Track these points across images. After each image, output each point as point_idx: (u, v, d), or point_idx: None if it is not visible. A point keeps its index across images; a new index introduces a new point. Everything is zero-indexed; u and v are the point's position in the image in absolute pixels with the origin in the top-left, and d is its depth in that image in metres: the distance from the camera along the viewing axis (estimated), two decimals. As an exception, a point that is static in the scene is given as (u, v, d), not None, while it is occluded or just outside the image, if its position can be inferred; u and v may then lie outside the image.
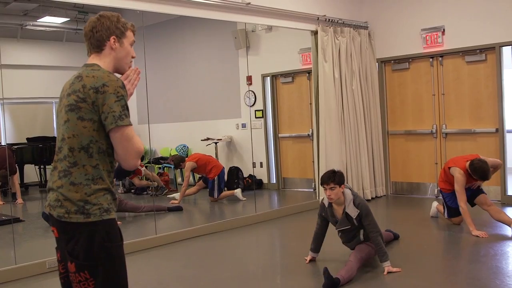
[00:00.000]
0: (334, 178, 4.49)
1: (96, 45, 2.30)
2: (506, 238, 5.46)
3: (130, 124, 2.17)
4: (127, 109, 2.18)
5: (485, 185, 5.91)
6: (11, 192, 8.65)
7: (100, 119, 2.15)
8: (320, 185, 4.68)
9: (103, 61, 2.30)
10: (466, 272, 4.48)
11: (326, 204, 4.67)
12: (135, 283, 4.52)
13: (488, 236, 5.42)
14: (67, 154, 2.17)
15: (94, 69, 2.22)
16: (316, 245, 4.83)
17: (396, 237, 5.55)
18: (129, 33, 2.37)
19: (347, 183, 4.77)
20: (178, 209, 7.88)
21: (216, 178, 8.51)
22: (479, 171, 5.49)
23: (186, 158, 8.92)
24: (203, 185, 8.91)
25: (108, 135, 2.17)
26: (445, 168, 5.95)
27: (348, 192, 4.56)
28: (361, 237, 4.59)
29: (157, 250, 5.73)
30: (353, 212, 4.48)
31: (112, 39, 2.30)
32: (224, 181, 8.79)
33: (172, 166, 10.08)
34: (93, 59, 2.31)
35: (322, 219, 4.77)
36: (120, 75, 2.40)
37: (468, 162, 5.63)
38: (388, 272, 4.37)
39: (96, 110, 2.14)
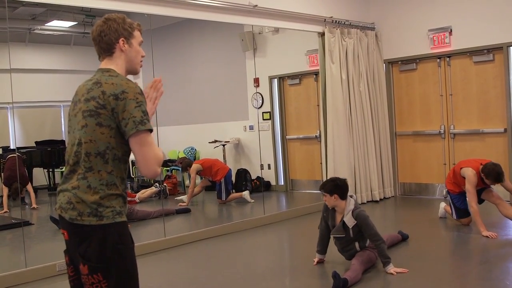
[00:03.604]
0: (324, 186, 4.60)
1: (106, 49, 2.30)
2: (516, 238, 5.45)
3: (151, 129, 2.17)
4: (147, 114, 2.19)
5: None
6: (20, 196, 8.68)
7: (117, 126, 2.16)
8: None
9: (116, 64, 2.30)
10: (476, 273, 4.47)
11: (329, 206, 4.69)
12: (145, 285, 4.52)
13: (498, 237, 5.40)
14: (83, 158, 2.18)
15: (112, 75, 2.23)
16: (322, 247, 4.83)
17: (404, 238, 5.54)
18: (136, 33, 2.36)
19: (353, 194, 4.76)
20: (186, 211, 7.91)
21: (223, 180, 8.53)
22: (493, 173, 5.44)
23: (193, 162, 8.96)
24: (207, 183, 8.91)
25: (127, 142, 2.18)
26: (455, 169, 5.91)
27: (351, 202, 4.56)
28: (357, 248, 4.61)
29: (166, 253, 5.75)
30: (350, 221, 4.49)
31: (121, 41, 2.29)
32: (231, 183, 8.80)
33: (180, 169, 10.12)
34: (107, 63, 2.31)
35: (323, 219, 4.77)
36: (133, 75, 2.41)
37: (482, 166, 5.59)
38: (396, 272, 4.36)
39: (115, 117, 2.15)
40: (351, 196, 4.64)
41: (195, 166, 8.64)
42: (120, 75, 2.26)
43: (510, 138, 7.33)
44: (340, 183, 4.57)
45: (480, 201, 5.85)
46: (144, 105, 2.18)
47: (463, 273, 4.56)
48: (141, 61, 2.41)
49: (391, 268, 4.39)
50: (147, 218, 7.48)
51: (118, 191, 2.21)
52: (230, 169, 8.82)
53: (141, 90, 2.22)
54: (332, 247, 4.85)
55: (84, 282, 2.18)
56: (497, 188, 5.86)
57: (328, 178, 4.80)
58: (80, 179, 2.18)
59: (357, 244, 4.59)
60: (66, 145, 2.34)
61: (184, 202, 8.53)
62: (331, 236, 4.71)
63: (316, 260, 4.84)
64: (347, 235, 4.55)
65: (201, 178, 9.06)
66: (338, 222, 4.61)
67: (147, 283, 4.58)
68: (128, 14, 2.44)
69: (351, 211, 4.50)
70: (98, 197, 2.15)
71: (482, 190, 5.78)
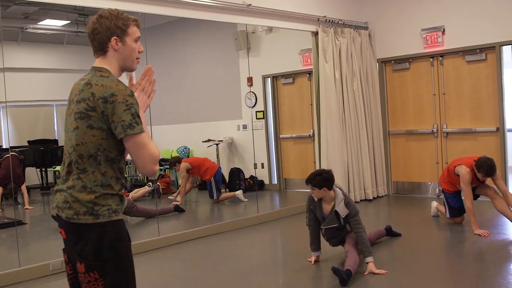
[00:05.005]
0: (312, 181, 4.57)
1: (99, 48, 2.26)
2: (508, 236, 5.48)
3: (142, 132, 2.15)
4: (138, 116, 2.15)
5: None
6: (14, 196, 8.64)
7: (109, 127, 2.14)
8: None
9: (110, 63, 2.26)
10: (469, 271, 4.49)
11: (316, 198, 4.70)
12: (140, 284, 4.51)
13: (490, 235, 5.44)
14: (76, 160, 2.18)
15: (103, 76, 2.20)
16: (316, 244, 4.84)
17: (389, 232, 5.62)
18: (131, 29, 2.27)
19: (339, 184, 4.79)
20: (181, 210, 7.89)
21: (212, 179, 8.51)
22: (485, 166, 5.45)
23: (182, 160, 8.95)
24: (195, 178, 8.87)
25: (121, 142, 2.17)
26: (450, 168, 5.93)
27: (339, 192, 4.62)
28: (348, 228, 4.66)
29: (160, 252, 5.75)
30: (343, 211, 4.54)
31: (113, 40, 2.23)
32: (221, 181, 8.78)
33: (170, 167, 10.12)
34: (101, 62, 2.27)
35: (310, 212, 4.76)
36: (130, 73, 2.38)
37: (475, 161, 5.62)
38: (370, 273, 4.37)
39: (105, 120, 2.13)
40: (335, 186, 4.67)
41: (184, 165, 8.62)
42: (112, 75, 2.22)
43: (502, 137, 7.37)
44: (327, 175, 4.58)
45: (475, 196, 5.86)
46: (135, 107, 2.15)
47: (456, 270, 4.58)
48: (137, 58, 2.34)
49: (370, 263, 4.40)
50: (148, 216, 7.40)
51: (113, 191, 2.20)
52: (219, 168, 8.81)
53: (131, 92, 2.18)
54: (325, 246, 4.87)
55: (81, 281, 2.19)
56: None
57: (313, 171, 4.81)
58: (75, 179, 2.18)
59: (348, 226, 4.65)
60: (64, 143, 2.32)
61: (177, 201, 8.51)
62: (323, 228, 4.72)
63: (313, 259, 4.84)
64: (339, 224, 4.60)
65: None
66: (326, 212, 4.64)
67: (141, 282, 4.56)
68: (123, 12, 2.39)
69: (343, 201, 4.55)
70: (94, 196, 2.15)
71: (477, 185, 5.80)
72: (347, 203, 4.56)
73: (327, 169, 4.77)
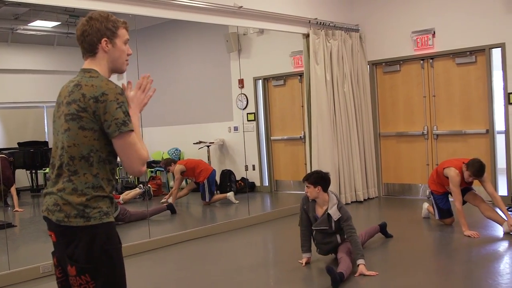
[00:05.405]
0: (309, 177, 4.70)
1: (89, 49, 2.26)
2: (497, 237, 5.51)
3: (133, 130, 2.16)
4: (129, 114, 2.17)
5: (475, 185, 5.95)
6: (4, 198, 8.57)
7: (100, 128, 2.14)
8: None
9: (99, 64, 2.26)
10: (459, 272, 4.52)
11: (310, 198, 4.75)
12: (131, 286, 4.51)
13: (480, 236, 5.47)
14: (67, 162, 2.17)
15: (92, 76, 2.20)
16: (307, 245, 4.85)
17: (383, 229, 5.67)
18: (121, 31, 2.30)
19: (333, 190, 4.84)
20: (174, 209, 7.86)
21: (206, 181, 8.50)
22: (476, 165, 5.50)
23: (177, 162, 8.92)
24: (194, 185, 8.89)
25: (111, 142, 2.17)
26: (438, 170, 5.98)
27: (333, 196, 4.71)
28: (339, 240, 4.71)
29: (151, 254, 5.73)
30: (335, 214, 4.60)
31: (103, 42, 2.24)
32: (214, 184, 8.77)
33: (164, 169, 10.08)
34: (90, 64, 2.27)
35: (303, 213, 4.80)
36: (119, 75, 2.38)
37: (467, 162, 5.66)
38: (361, 274, 4.37)
39: (97, 120, 2.13)
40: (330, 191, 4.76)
41: (178, 167, 8.60)
42: (101, 75, 2.23)
43: (492, 139, 7.42)
44: (324, 175, 4.71)
45: (463, 202, 5.91)
46: (126, 105, 2.17)
47: (446, 272, 4.61)
48: (126, 60, 2.36)
49: (361, 265, 4.41)
50: (142, 218, 7.35)
51: (104, 193, 2.20)
52: (214, 170, 8.79)
53: (121, 90, 2.20)
54: (315, 249, 4.87)
55: (72, 284, 2.18)
56: (478, 189, 5.94)
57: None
58: (65, 182, 2.17)
59: (338, 237, 4.69)
60: (52, 146, 2.31)
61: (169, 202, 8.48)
62: (313, 229, 4.76)
63: (304, 260, 4.84)
64: (330, 228, 4.63)
65: (186, 181, 9.03)
66: (319, 214, 4.70)
67: (132, 284, 4.55)
68: (112, 14, 2.39)
69: (336, 205, 4.63)
70: (85, 198, 2.15)
71: (464, 191, 5.84)
72: (340, 208, 4.64)
73: (325, 171, 4.87)
